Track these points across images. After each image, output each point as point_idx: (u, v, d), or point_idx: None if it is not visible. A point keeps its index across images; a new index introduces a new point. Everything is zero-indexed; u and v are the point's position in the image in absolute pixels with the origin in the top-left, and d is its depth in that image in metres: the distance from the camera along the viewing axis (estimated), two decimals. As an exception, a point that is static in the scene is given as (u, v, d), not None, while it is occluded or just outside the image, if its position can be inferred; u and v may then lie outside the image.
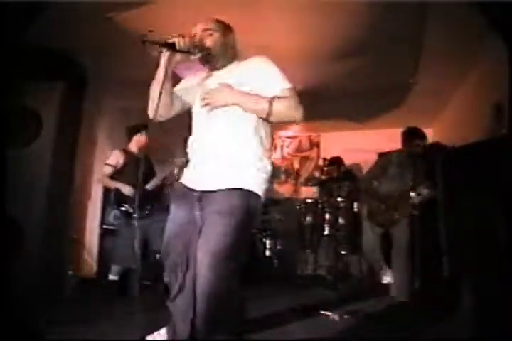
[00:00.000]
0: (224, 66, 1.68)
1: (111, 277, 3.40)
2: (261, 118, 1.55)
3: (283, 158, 6.55)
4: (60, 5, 2.46)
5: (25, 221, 3.17)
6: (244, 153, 1.56)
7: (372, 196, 3.49)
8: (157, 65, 1.61)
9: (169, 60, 1.56)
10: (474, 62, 3.69)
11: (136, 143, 3.54)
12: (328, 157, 5.33)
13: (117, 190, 3.37)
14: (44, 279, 3.22)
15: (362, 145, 5.48)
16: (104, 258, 4.31)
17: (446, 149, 3.70)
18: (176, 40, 1.52)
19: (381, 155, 3.99)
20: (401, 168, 3.39)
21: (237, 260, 1.46)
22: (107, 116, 4.74)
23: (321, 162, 5.70)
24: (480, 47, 3.34)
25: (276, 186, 6.26)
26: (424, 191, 3.22)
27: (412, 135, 3.44)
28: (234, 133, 1.56)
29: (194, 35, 1.64)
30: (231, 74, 1.63)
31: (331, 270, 4.37)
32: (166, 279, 1.62)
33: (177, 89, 1.75)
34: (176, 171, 3.55)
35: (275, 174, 6.43)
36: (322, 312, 2.69)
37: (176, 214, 1.62)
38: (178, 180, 3.80)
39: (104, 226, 4.53)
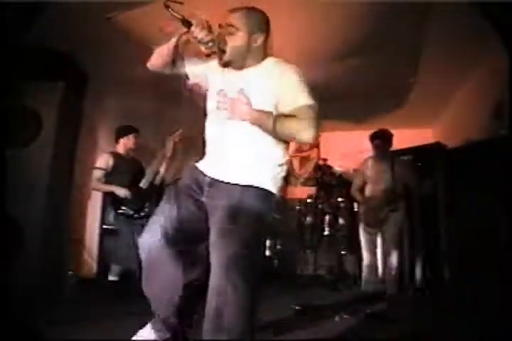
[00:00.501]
0: (249, 66, 1.58)
1: (110, 278, 3.39)
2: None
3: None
4: (61, 5, 2.46)
5: (25, 221, 3.17)
6: (263, 151, 1.54)
7: (361, 201, 3.72)
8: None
9: (183, 37, 1.53)
10: (474, 62, 3.68)
11: (124, 145, 3.53)
12: (328, 157, 5.34)
13: (112, 193, 3.37)
14: (44, 279, 3.22)
15: (362, 145, 5.47)
16: (104, 258, 4.30)
17: (447, 149, 3.71)
18: (194, 24, 1.45)
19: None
20: (376, 171, 3.60)
21: (253, 260, 1.43)
22: (107, 116, 4.73)
23: (321, 162, 5.70)
24: (480, 47, 3.34)
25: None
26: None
27: (374, 138, 3.62)
28: (252, 132, 1.53)
29: (220, 26, 1.55)
30: (253, 77, 1.55)
31: (331, 270, 4.37)
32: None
33: (188, 58, 1.68)
34: (164, 165, 3.53)
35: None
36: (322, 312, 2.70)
37: (178, 203, 1.54)
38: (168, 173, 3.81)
39: (104, 226, 4.52)
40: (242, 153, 1.54)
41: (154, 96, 4.49)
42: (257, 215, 1.46)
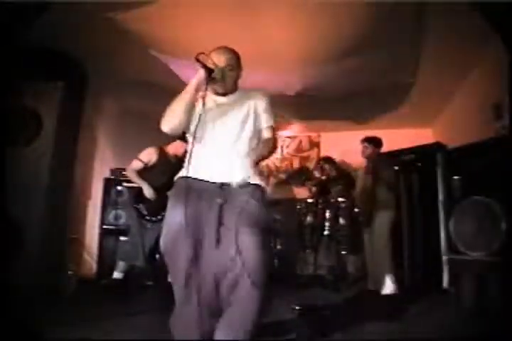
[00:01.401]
0: (228, 93, 1.89)
1: (115, 275, 3.38)
2: None
3: (283, 158, 6.55)
4: (61, 5, 2.46)
5: (25, 221, 3.17)
6: (249, 152, 1.77)
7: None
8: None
9: (203, 80, 1.73)
10: (474, 62, 3.68)
11: (175, 148, 3.45)
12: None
13: (139, 189, 3.32)
14: (44, 279, 3.22)
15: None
16: (105, 258, 4.30)
17: (447, 149, 3.71)
18: (216, 71, 1.76)
19: (380, 155, 4.01)
20: (365, 175, 3.85)
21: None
22: (107, 116, 4.74)
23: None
24: (480, 47, 3.34)
25: (276, 186, 6.27)
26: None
27: (363, 141, 3.93)
28: (240, 135, 1.80)
29: (217, 66, 1.81)
30: (234, 103, 1.86)
31: (331, 270, 4.37)
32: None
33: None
34: None
35: (275, 174, 6.44)
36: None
37: (187, 207, 1.65)
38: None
39: (104, 226, 4.53)
40: (237, 155, 1.75)
41: (154, 96, 4.49)
42: (263, 208, 1.71)
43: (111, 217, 4.54)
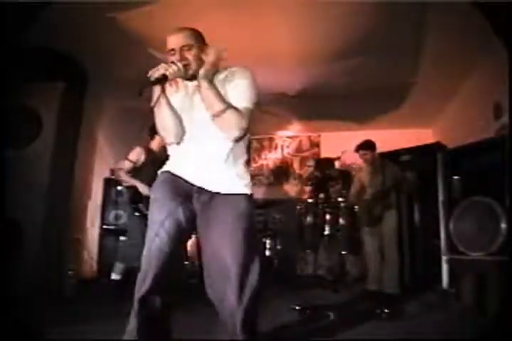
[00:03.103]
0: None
1: (113, 276, 3.38)
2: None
3: (283, 158, 6.55)
4: (60, 5, 2.46)
5: (25, 221, 3.17)
6: (237, 157, 1.64)
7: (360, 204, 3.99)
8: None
9: (164, 88, 1.60)
10: (474, 62, 3.68)
11: (158, 142, 3.41)
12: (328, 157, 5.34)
13: (134, 188, 3.31)
14: (44, 279, 3.22)
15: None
16: (105, 258, 4.31)
17: (447, 149, 3.71)
18: (163, 71, 1.56)
19: (381, 155, 4.01)
20: (371, 176, 3.87)
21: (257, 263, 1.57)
22: (107, 116, 4.74)
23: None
24: (480, 47, 3.34)
25: (276, 186, 6.28)
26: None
27: (358, 150, 3.91)
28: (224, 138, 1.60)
29: (172, 50, 1.67)
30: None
31: (331, 270, 4.37)
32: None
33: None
34: None
35: (275, 174, 6.45)
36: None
37: (167, 203, 1.62)
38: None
39: (104, 226, 4.53)
40: (221, 160, 1.60)
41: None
42: (252, 220, 1.63)
43: (111, 217, 4.54)
